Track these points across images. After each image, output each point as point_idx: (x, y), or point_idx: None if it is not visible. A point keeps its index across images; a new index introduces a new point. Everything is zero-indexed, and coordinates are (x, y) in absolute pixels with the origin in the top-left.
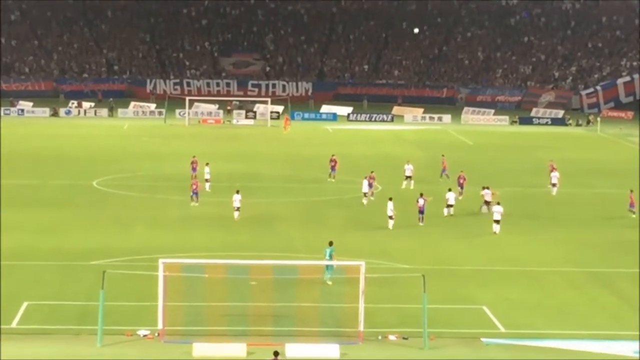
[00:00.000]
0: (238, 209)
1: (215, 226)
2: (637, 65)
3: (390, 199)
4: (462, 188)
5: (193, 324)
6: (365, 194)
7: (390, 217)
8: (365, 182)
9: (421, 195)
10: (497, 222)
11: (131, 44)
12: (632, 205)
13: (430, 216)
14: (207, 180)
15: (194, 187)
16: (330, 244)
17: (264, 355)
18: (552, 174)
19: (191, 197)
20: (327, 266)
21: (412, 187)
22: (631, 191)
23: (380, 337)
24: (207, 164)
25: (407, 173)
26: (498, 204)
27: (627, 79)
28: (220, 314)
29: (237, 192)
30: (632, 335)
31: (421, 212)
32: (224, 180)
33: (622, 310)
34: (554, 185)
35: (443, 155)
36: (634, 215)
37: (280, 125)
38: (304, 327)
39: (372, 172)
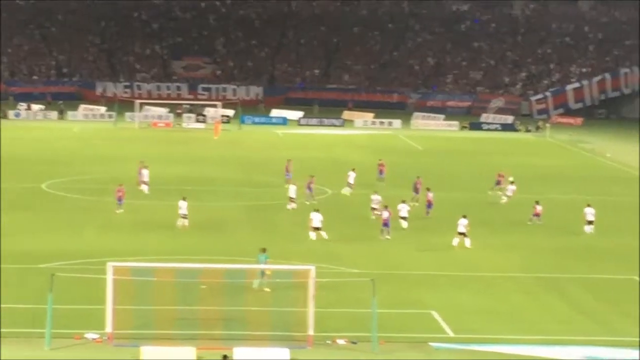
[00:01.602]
0: (185, 216)
1: (165, 230)
2: (586, 71)
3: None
4: (417, 193)
5: (142, 328)
6: (291, 198)
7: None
8: (293, 187)
9: (385, 207)
10: (463, 234)
11: (82, 47)
12: (536, 214)
13: (380, 221)
14: (145, 183)
15: (120, 193)
16: (263, 250)
17: (213, 359)
18: (510, 187)
19: (117, 204)
20: (261, 272)
21: (348, 194)
22: (537, 202)
23: (329, 342)
24: (145, 167)
25: (350, 180)
26: (464, 217)
27: (577, 85)
28: (170, 318)
29: (184, 198)
30: (581, 341)
31: (385, 224)
32: (174, 184)
33: (571, 315)
34: (507, 196)
35: (380, 159)
36: (539, 222)
37: (232, 129)
38: (254, 331)
39: (311, 176)
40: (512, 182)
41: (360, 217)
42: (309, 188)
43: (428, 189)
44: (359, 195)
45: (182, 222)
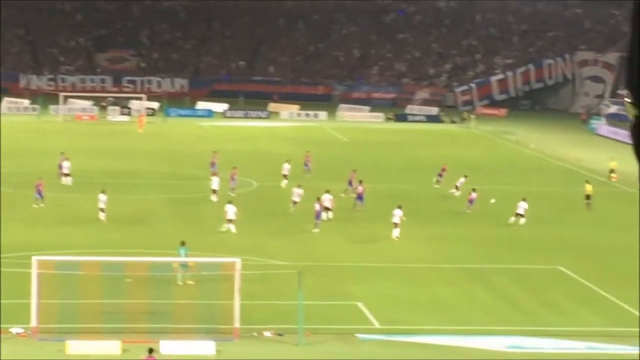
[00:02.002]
0: (102, 209)
1: (89, 223)
2: (510, 63)
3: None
4: (352, 186)
5: (67, 322)
6: (215, 190)
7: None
8: (216, 180)
9: (318, 199)
10: (396, 225)
11: (4, 39)
12: (470, 201)
13: (306, 214)
14: (66, 175)
15: (39, 187)
16: (183, 244)
17: (139, 353)
18: (461, 179)
19: (35, 198)
20: (181, 265)
21: (284, 186)
22: (473, 189)
23: (255, 334)
24: (67, 159)
25: (284, 172)
26: (399, 207)
27: (501, 76)
28: (95, 312)
29: (103, 192)
30: (505, 330)
31: (317, 216)
32: (99, 177)
33: (496, 305)
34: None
35: (308, 151)
36: (468, 211)
37: (157, 122)
38: (180, 324)
39: (234, 168)
40: (465, 176)
41: (287, 209)
42: (232, 179)
43: (360, 182)
44: (286, 187)
45: (101, 215)
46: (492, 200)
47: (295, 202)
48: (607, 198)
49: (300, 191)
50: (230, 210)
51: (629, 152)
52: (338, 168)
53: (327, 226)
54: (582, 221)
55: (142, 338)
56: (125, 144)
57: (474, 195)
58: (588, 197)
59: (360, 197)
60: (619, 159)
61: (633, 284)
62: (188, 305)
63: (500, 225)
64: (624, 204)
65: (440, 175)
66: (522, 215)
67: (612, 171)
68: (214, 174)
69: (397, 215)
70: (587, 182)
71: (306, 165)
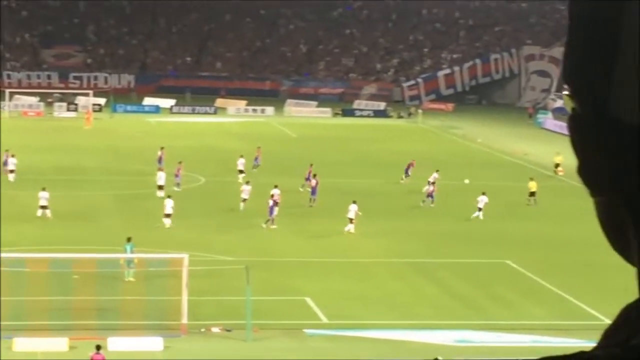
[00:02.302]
0: (44, 207)
1: (35, 219)
2: (457, 57)
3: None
4: (309, 180)
5: (14, 319)
6: (161, 186)
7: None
8: (162, 175)
9: (272, 196)
10: (351, 220)
11: None
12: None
13: (255, 209)
14: (12, 172)
15: None
16: (129, 239)
17: (86, 349)
18: (434, 174)
19: None
20: (127, 262)
21: (241, 180)
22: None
23: (203, 330)
24: (12, 156)
25: (240, 167)
26: (354, 202)
27: (448, 71)
28: (42, 309)
29: (44, 189)
30: (453, 325)
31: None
32: (45, 173)
33: (444, 300)
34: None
35: (259, 147)
36: (432, 205)
37: (104, 118)
38: (127, 320)
39: (180, 162)
40: (437, 171)
41: (235, 204)
42: (177, 175)
43: (314, 176)
44: (233, 182)
45: (42, 212)
46: (466, 181)
47: (244, 200)
48: (553, 192)
49: (249, 188)
50: (168, 205)
51: None
52: (286, 163)
53: (276, 221)
54: (529, 215)
55: (89, 335)
56: (72, 140)
57: (431, 188)
58: (532, 194)
59: (313, 191)
60: (565, 153)
61: (579, 276)
62: (135, 302)
63: (447, 219)
64: (570, 197)
65: (407, 171)
66: (480, 209)
67: (557, 165)
68: (160, 170)
69: (353, 210)
70: (531, 179)
71: (256, 160)
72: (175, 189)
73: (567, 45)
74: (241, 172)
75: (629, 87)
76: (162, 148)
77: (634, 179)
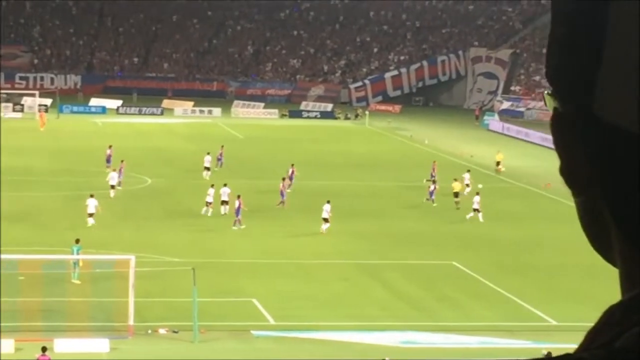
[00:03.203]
0: None
1: None
2: (404, 59)
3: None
4: (291, 180)
5: None
6: (113, 186)
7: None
8: (115, 175)
9: (238, 197)
10: (326, 220)
11: None
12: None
13: (201, 207)
14: None
15: None
16: (77, 241)
17: (32, 351)
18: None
19: None
20: (74, 264)
21: (206, 177)
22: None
23: (150, 331)
24: None
25: (206, 164)
26: (328, 202)
27: (395, 73)
28: None
29: None
30: (400, 326)
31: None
32: None
33: (390, 301)
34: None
35: (222, 146)
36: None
37: (50, 118)
38: (74, 322)
39: (122, 161)
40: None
41: (182, 205)
42: (120, 173)
43: (283, 179)
44: (180, 183)
45: None
46: (480, 186)
47: (209, 203)
48: (497, 193)
49: (213, 191)
50: (92, 204)
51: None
52: (233, 165)
53: (219, 222)
54: (475, 216)
55: (35, 336)
56: (19, 141)
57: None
58: (457, 194)
59: (282, 193)
60: (510, 154)
61: (524, 278)
62: (82, 303)
63: (394, 220)
64: (513, 198)
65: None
66: (478, 210)
67: (498, 163)
68: (112, 170)
69: (326, 210)
70: (456, 179)
71: (219, 159)
72: (118, 187)
73: (549, 43)
74: (207, 169)
75: (612, 87)
76: (110, 146)
77: (616, 180)
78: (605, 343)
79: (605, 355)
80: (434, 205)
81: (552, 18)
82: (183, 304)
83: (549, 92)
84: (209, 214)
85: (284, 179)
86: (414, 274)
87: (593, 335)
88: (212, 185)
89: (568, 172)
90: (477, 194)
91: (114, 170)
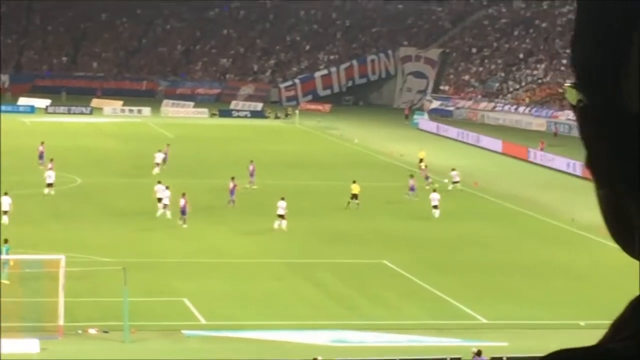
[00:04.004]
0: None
1: None
2: (334, 58)
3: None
4: (252, 177)
5: None
6: (50, 184)
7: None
8: (52, 173)
9: (183, 194)
10: (282, 216)
11: None
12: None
13: (131, 207)
14: None
15: None
16: (6, 241)
17: None
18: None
19: None
20: (3, 264)
21: (155, 173)
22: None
23: (80, 331)
24: None
25: (157, 160)
26: (282, 199)
27: (325, 72)
28: None
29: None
30: (330, 325)
31: (183, 212)
32: None
33: (321, 300)
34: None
35: (168, 144)
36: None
37: None
38: (3, 322)
39: (51, 160)
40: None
41: (112, 205)
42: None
43: (232, 178)
44: (110, 183)
45: None
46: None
47: (160, 200)
48: (427, 192)
49: (163, 187)
50: (5, 202)
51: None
52: (169, 164)
53: (148, 222)
54: (404, 214)
55: None
56: None
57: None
58: (355, 196)
59: (231, 192)
60: (439, 153)
61: (454, 276)
62: (11, 304)
63: (325, 220)
64: (442, 197)
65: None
66: (437, 207)
67: (421, 160)
68: (50, 168)
69: (281, 207)
70: (354, 181)
71: (165, 158)
72: (48, 191)
73: (576, 35)
74: (157, 164)
75: (637, 80)
76: (42, 143)
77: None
78: (633, 334)
79: (636, 345)
80: (416, 199)
81: (579, 11)
82: (113, 304)
83: (572, 84)
84: (168, 215)
85: (232, 178)
86: (344, 272)
87: (618, 327)
88: (167, 188)
89: (594, 164)
90: (435, 191)
91: (50, 168)
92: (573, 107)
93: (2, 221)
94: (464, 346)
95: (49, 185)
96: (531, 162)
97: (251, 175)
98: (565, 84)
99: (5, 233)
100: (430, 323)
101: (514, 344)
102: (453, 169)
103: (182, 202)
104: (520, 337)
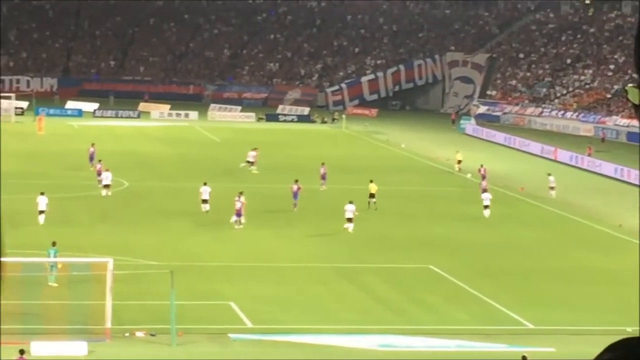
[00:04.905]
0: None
1: None
2: (381, 63)
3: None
4: (324, 179)
5: None
6: (107, 185)
7: None
8: (109, 174)
9: (239, 195)
10: (350, 220)
11: None
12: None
13: (178, 210)
14: None
15: None
16: (54, 244)
17: (10, 354)
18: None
19: None
20: (51, 267)
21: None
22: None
23: (127, 334)
24: None
25: (249, 159)
26: (351, 202)
27: (372, 77)
28: None
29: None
30: (377, 329)
31: (238, 214)
32: None
33: (368, 304)
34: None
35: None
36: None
37: (27, 121)
38: (51, 325)
39: (100, 160)
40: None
41: (159, 208)
42: (100, 174)
43: (296, 181)
44: (157, 186)
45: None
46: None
47: (205, 201)
48: (472, 196)
49: (209, 189)
50: (42, 202)
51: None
52: (211, 168)
53: (194, 225)
54: (450, 219)
55: (13, 339)
56: None
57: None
58: (372, 195)
59: (295, 195)
60: (486, 158)
61: (500, 281)
62: (59, 306)
63: (368, 223)
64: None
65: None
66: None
67: (459, 162)
68: (106, 170)
69: (350, 210)
70: (371, 181)
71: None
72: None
73: (637, 40)
74: (251, 163)
75: None
76: (92, 144)
77: None
78: None
79: None
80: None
81: None
82: (160, 307)
83: (635, 85)
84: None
85: (296, 181)
86: (391, 277)
87: None
88: (205, 184)
89: None
90: (486, 191)
91: (107, 170)
92: (636, 107)
93: (39, 221)
94: (512, 352)
95: (106, 186)
96: (578, 168)
97: (322, 178)
98: (629, 85)
99: (53, 235)
100: (476, 328)
101: (561, 350)
102: (549, 174)
103: (238, 203)
104: (566, 343)
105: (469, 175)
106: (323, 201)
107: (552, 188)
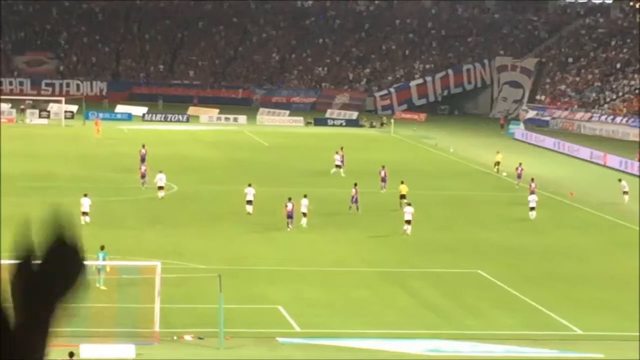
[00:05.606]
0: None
1: (6, 226)
2: (429, 67)
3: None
4: (384, 182)
5: None
6: (161, 187)
7: None
8: (163, 176)
9: (289, 199)
10: (409, 222)
11: None
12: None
13: (226, 214)
14: None
15: None
16: (102, 248)
17: (59, 356)
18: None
19: None
20: (99, 270)
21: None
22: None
23: (175, 338)
24: None
25: (337, 162)
26: (409, 205)
27: (420, 81)
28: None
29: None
30: (425, 334)
31: (290, 216)
32: (18, 180)
33: (415, 309)
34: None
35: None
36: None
37: (76, 125)
38: (99, 327)
39: (143, 161)
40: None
41: (208, 212)
42: (144, 176)
43: (355, 184)
44: (206, 190)
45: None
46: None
47: (250, 202)
48: (521, 201)
49: (253, 191)
50: (85, 203)
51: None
52: (260, 171)
53: (242, 228)
54: (500, 225)
55: (62, 342)
56: (45, 147)
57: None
58: (403, 196)
59: (354, 199)
60: (535, 163)
61: (549, 287)
62: (108, 309)
63: (419, 229)
64: (538, 207)
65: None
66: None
67: (497, 163)
68: (159, 171)
69: (409, 212)
70: (402, 182)
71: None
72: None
73: None
74: (338, 166)
75: None
76: (143, 146)
77: None
78: None
79: None
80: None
81: None
82: (208, 311)
83: None
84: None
85: (355, 185)
86: (438, 282)
87: None
88: (250, 185)
89: None
90: (533, 193)
91: (160, 171)
92: None
93: (82, 222)
94: (561, 357)
95: (160, 188)
96: (628, 173)
97: (383, 180)
98: None
99: (102, 239)
100: (525, 334)
101: (609, 356)
102: (619, 180)
103: (289, 206)
104: (616, 349)
105: (504, 174)
106: (370, 205)
107: (625, 193)
